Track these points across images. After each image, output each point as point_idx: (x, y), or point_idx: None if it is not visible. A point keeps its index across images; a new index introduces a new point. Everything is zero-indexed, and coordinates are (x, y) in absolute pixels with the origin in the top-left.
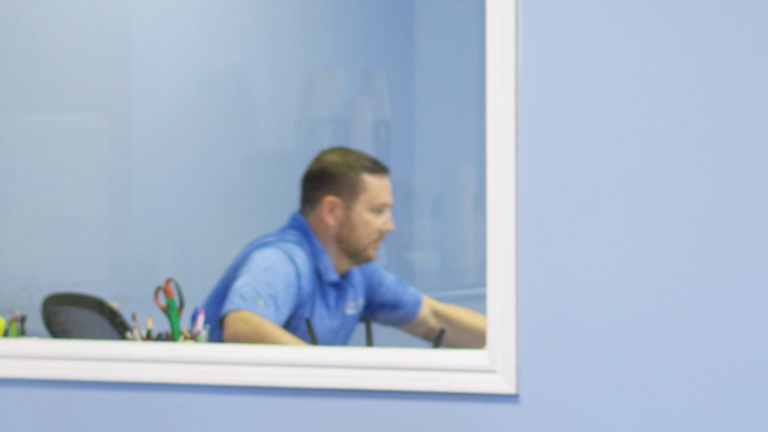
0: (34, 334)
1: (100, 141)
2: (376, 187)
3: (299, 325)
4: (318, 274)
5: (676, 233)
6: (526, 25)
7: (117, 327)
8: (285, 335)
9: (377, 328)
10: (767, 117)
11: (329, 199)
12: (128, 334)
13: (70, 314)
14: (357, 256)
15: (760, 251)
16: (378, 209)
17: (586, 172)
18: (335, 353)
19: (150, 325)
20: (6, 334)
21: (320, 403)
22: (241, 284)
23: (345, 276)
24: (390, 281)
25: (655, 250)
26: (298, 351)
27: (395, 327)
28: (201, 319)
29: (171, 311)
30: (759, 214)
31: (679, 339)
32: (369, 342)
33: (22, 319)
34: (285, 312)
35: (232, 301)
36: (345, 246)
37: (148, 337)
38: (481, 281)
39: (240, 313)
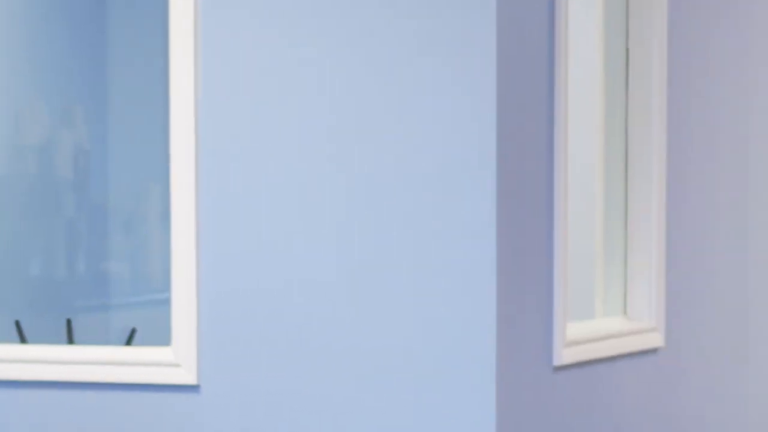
0: None
1: None
2: None
3: None
4: None
5: (336, 244)
6: (206, 63)
7: None
8: None
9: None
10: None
11: None
12: None
13: None
14: None
15: (408, 253)
16: None
17: (258, 193)
18: (41, 350)
19: None
20: None
21: (28, 395)
22: None
23: None
24: None
25: (318, 258)
26: (5, 348)
27: None
28: None
29: None
30: (411, 219)
31: (339, 335)
32: (70, 340)
33: None
34: None
35: None
36: None
37: None
38: (168, 286)
39: None
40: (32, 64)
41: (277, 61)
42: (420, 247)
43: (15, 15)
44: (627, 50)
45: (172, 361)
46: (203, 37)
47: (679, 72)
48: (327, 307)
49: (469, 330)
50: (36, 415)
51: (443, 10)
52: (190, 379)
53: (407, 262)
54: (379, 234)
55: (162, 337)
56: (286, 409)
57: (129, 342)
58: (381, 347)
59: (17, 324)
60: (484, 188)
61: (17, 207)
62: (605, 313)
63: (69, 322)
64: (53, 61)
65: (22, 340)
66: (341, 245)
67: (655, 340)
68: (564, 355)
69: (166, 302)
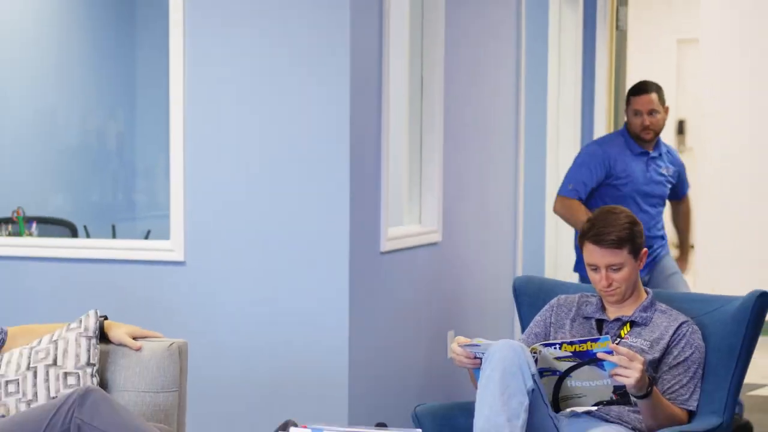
0: None
1: None
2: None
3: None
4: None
5: (264, 178)
6: (190, 71)
7: None
8: (580, 210)
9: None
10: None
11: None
12: None
13: None
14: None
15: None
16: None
17: (221, 143)
18: (96, 242)
19: None
20: None
21: (87, 268)
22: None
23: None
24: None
25: (255, 183)
26: (70, 241)
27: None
28: None
29: None
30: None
31: (265, 232)
32: (114, 236)
33: None
34: (592, 181)
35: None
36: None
37: None
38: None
39: (558, 198)
40: (84, 69)
41: (234, 72)
42: (304, 182)
43: (71, 25)
44: (422, 74)
45: (169, 247)
46: (189, 52)
47: (452, 82)
48: (262, 214)
49: (331, 230)
50: (87, 281)
51: (315, 40)
52: (179, 257)
53: (298, 191)
54: (283, 176)
55: (166, 235)
56: (243, 278)
57: (146, 237)
58: (296, 237)
59: (84, 227)
60: (341, 149)
61: (92, 165)
62: (409, 222)
63: (113, 227)
64: (97, 65)
65: (86, 235)
66: (267, 180)
67: (436, 237)
68: (386, 245)
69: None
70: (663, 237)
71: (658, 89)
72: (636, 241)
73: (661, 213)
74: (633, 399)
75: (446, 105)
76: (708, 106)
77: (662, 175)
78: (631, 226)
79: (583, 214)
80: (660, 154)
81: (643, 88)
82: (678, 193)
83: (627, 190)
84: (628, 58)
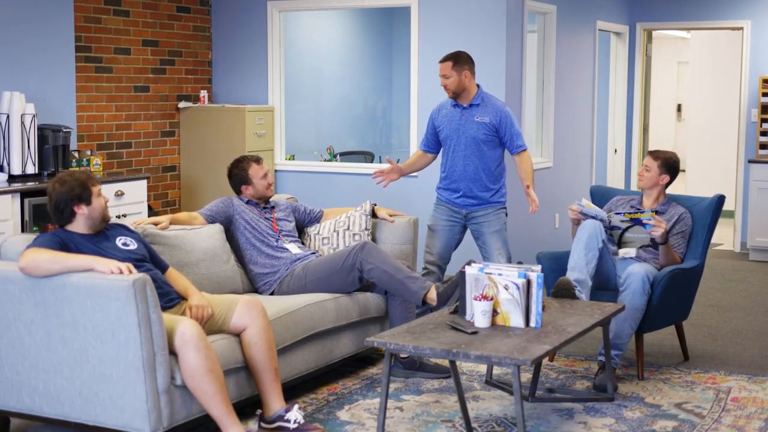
0: None
1: None
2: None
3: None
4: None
5: None
6: (421, 65)
7: None
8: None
9: None
10: None
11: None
12: None
13: None
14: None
15: None
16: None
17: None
18: (354, 166)
19: None
20: None
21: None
22: None
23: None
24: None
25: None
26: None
27: None
28: None
29: None
30: None
31: None
32: (371, 161)
33: None
34: (428, 132)
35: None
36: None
37: None
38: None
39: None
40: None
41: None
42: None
43: (351, 37)
44: (543, 77)
45: (547, 164)
46: (419, 56)
47: (558, 79)
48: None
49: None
50: (360, 187)
51: (484, 53)
52: (549, 164)
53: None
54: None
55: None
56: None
57: (397, 162)
58: None
59: (378, 157)
60: None
61: (369, 123)
62: (536, 155)
63: (380, 157)
64: (375, 66)
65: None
66: None
67: (550, 164)
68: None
69: None
70: (491, 190)
71: (456, 59)
72: (669, 167)
73: (490, 164)
74: (659, 245)
75: (555, 93)
76: (692, 95)
77: (476, 122)
78: (666, 160)
79: (416, 157)
80: (472, 106)
81: (443, 58)
82: (509, 148)
83: (444, 135)
84: (652, 72)
